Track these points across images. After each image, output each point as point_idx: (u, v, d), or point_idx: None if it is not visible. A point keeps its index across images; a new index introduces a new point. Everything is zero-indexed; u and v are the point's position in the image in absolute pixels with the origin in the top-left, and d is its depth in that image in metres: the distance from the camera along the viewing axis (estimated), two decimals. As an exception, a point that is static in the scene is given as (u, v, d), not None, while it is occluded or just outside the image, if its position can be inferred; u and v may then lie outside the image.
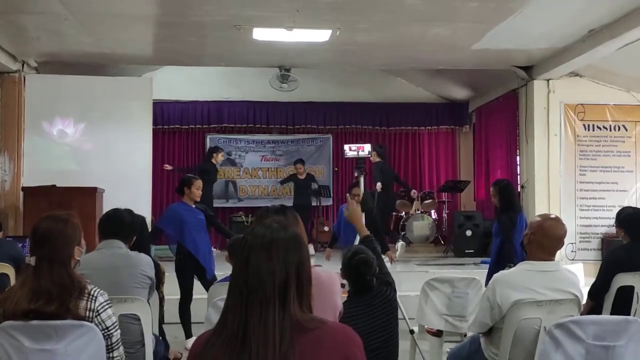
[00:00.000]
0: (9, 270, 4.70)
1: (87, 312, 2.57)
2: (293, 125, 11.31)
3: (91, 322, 2.57)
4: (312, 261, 2.05)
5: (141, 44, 7.36)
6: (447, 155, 11.74)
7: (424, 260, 8.90)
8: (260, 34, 6.64)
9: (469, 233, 9.42)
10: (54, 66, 7.99)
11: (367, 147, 5.78)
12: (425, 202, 10.38)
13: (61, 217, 2.66)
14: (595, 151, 8.49)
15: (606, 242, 8.18)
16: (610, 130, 8.52)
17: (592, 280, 4.50)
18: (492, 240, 5.91)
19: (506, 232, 5.34)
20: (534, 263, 3.12)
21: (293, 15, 6.01)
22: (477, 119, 10.97)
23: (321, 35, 6.73)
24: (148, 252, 4.09)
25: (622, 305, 4.13)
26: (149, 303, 3.52)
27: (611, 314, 4.08)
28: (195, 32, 6.72)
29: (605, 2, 5.81)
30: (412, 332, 4.62)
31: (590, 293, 4.33)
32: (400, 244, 9.44)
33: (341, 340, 1.63)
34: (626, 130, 8.55)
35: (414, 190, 10.34)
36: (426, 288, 4.49)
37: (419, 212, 10.23)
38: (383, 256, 6.08)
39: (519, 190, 8.52)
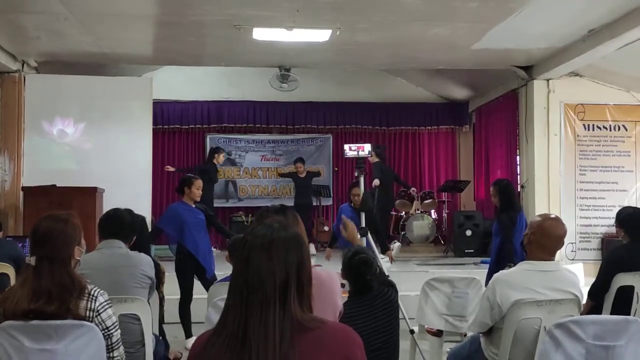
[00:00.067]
0: (9, 270, 4.70)
1: (88, 312, 2.57)
2: (293, 125, 11.31)
3: (91, 322, 2.57)
4: (313, 261, 2.05)
5: (141, 44, 7.36)
6: (447, 155, 11.74)
7: (424, 260, 8.91)
8: (260, 33, 6.64)
9: (469, 233, 9.43)
10: (54, 66, 7.99)
11: (367, 147, 5.76)
12: (425, 202, 10.38)
13: (61, 217, 2.66)
14: (595, 151, 8.49)
15: (606, 242, 8.18)
16: (610, 130, 8.53)
17: (592, 280, 4.50)
18: (492, 240, 5.91)
19: (506, 232, 5.34)
20: (534, 263, 3.12)
21: (293, 15, 6.01)
22: (477, 119, 10.97)
23: (321, 35, 6.73)
24: (148, 252, 4.08)
25: (622, 305, 4.13)
26: (149, 303, 3.52)
27: (611, 313, 4.08)
28: (195, 32, 6.72)
29: (605, 2, 5.81)
30: (412, 332, 4.62)
31: (590, 293, 4.33)
32: (396, 245, 9.42)
33: (342, 340, 1.62)
34: (626, 130, 8.55)
35: (413, 188, 10.34)
36: (426, 288, 4.50)
37: (419, 212, 10.23)
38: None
39: (519, 190, 8.52)
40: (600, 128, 8.52)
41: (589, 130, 8.49)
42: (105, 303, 2.63)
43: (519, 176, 8.94)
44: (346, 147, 5.76)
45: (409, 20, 6.30)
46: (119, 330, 2.70)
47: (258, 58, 7.90)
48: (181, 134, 11.17)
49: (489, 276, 5.13)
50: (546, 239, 3.11)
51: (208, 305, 3.42)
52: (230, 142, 11.22)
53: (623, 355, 2.75)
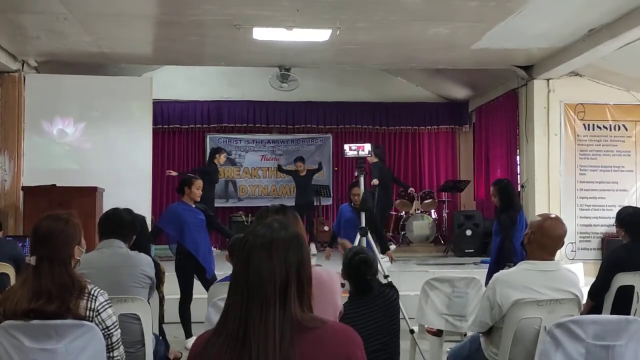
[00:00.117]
0: (9, 270, 4.69)
1: (88, 312, 2.57)
2: (293, 125, 11.31)
3: (91, 321, 2.57)
4: (313, 261, 2.05)
5: (141, 44, 7.35)
6: (447, 154, 11.74)
7: (423, 260, 8.91)
8: (260, 33, 6.63)
9: (469, 233, 9.43)
10: (53, 66, 7.99)
11: (367, 147, 5.77)
12: (425, 201, 10.38)
13: (61, 217, 2.66)
14: (595, 151, 8.49)
15: (606, 241, 8.18)
16: (610, 129, 8.52)
17: (592, 279, 4.50)
18: (492, 240, 5.91)
19: (506, 232, 5.35)
20: (534, 262, 3.12)
21: (293, 14, 6.01)
22: (477, 119, 10.97)
23: (321, 35, 6.72)
24: (148, 252, 4.08)
25: (622, 304, 4.14)
26: (149, 303, 3.52)
27: (611, 313, 4.08)
28: (195, 32, 6.71)
29: (605, 2, 5.80)
30: (412, 331, 4.63)
31: (590, 293, 4.33)
32: (392, 247, 9.40)
33: (342, 339, 1.62)
34: (626, 129, 8.55)
35: (411, 188, 10.33)
36: (426, 288, 4.50)
37: (419, 211, 10.23)
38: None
39: (519, 189, 8.52)
40: (600, 128, 8.52)
41: (589, 130, 8.49)
42: (105, 303, 2.63)
43: (519, 176, 8.94)
44: (346, 146, 5.76)
45: (409, 20, 6.30)
46: (119, 330, 2.70)
47: (258, 58, 7.90)
48: (181, 134, 11.17)
49: (489, 276, 5.13)
50: (546, 239, 3.11)
51: (208, 305, 3.42)
52: (230, 142, 11.22)
53: (623, 355, 2.75)
